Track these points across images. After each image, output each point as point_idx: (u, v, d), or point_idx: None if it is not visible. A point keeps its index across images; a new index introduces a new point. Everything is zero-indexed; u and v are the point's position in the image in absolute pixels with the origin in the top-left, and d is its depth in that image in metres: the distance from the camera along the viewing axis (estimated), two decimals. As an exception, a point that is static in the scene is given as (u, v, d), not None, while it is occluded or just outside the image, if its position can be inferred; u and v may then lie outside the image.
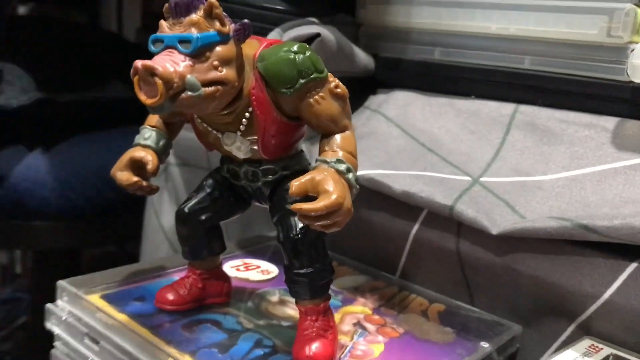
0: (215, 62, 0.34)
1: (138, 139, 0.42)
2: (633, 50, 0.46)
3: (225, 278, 0.47)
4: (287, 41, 0.38)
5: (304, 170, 0.40)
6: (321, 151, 0.37)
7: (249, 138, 0.38)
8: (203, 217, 0.42)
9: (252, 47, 0.37)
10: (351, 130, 0.38)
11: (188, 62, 0.33)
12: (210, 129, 0.39)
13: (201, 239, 0.43)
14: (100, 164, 0.82)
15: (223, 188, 0.43)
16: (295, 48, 0.36)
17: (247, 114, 0.37)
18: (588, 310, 0.42)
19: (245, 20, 0.35)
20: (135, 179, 0.41)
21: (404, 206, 0.50)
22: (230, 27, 0.34)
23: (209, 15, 0.34)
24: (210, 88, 0.33)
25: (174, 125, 0.44)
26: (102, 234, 0.90)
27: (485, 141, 0.51)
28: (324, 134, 0.38)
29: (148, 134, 0.42)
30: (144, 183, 0.41)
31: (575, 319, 0.43)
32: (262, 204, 0.43)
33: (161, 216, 0.71)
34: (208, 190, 0.42)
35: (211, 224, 0.43)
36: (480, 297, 0.49)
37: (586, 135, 0.48)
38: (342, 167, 0.36)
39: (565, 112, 0.50)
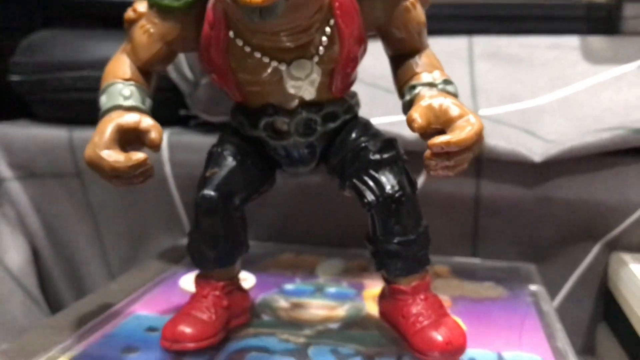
0: None
1: (113, 99, 0.27)
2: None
3: (243, 289, 0.33)
4: None
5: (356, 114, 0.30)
6: (410, 73, 0.29)
7: (324, 67, 0.27)
8: (237, 201, 0.29)
9: None
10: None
11: None
12: (267, 59, 0.26)
13: (236, 234, 0.30)
14: None
15: (248, 154, 0.30)
16: None
17: (327, 29, 0.26)
18: (625, 222, 0.40)
19: None
20: (141, 155, 0.26)
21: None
22: None
23: None
24: None
25: (152, 78, 0.30)
26: None
27: (453, 77, 0.47)
28: (404, 54, 0.29)
29: (127, 91, 0.27)
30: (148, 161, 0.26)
31: (602, 238, 0.41)
32: (300, 169, 0.31)
33: (3, 255, 0.50)
34: (232, 160, 0.29)
35: (242, 209, 0.30)
36: (486, 245, 0.44)
37: (556, 56, 0.46)
38: (452, 88, 0.28)
39: (523, 38, 0.48)
